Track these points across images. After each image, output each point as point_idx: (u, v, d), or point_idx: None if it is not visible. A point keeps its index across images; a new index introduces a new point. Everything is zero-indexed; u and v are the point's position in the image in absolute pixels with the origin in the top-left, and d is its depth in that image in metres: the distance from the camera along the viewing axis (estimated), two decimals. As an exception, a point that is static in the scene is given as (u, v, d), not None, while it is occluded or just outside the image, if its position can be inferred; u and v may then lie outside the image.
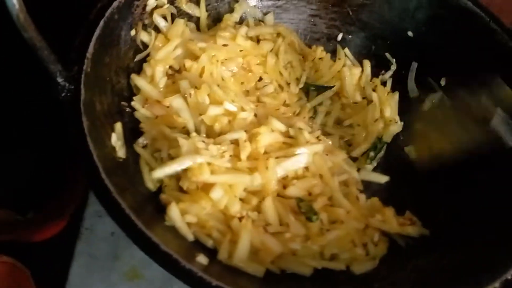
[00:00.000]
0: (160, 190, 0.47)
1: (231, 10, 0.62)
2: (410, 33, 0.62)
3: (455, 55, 0.59)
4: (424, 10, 0.61)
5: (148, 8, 0.53)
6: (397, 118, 0.60)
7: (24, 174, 0.64)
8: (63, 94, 0.41)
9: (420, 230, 0.50)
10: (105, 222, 0.52)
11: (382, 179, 0.56)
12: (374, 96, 0.59)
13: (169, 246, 0.36)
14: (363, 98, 0.61)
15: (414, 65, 0.62)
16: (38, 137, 0.62)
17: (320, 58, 0.63)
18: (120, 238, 0.51)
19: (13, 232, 0.63)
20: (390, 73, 0.64)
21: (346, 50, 0.64)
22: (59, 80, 0.41)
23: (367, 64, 0.63)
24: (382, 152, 0.58)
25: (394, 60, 0.64)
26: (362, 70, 0.63)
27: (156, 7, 0.54)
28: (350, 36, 0.65)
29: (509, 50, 0.54)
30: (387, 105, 0.59)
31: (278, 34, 0.62)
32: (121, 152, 0.45)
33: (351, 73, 0.61)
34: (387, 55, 0.64)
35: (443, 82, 0.60)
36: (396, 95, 0.61)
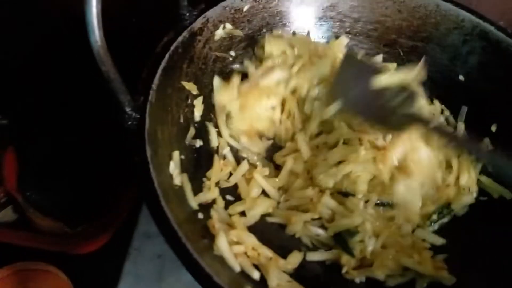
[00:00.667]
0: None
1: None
2: (461, 77, 0.63)
3: (506, 102, 0.59)
4: (477, 55, 0.61)
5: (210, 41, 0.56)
6: (474, 188, 0.56)
7: (77, 190, 0.67)
8: (129, 123, 0.44)
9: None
10: (153, 243, 0.54)
11: (438, 241, 0.53)
12: (454, 161, 0.56)
13: (220, 277, 0.38)
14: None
15: (464, 109, 0.62)
16: (94, 158, 0.65)
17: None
18: (167, 261, 0.53)
19: (60, 244, 0.66)
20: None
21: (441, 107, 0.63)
22: (127, 109, 0.44)
23: (460, 126, 0.61)
24: (446, 219, 0.55)
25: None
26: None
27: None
28: (400, 77, 0.66)
29: None
30: (466, 172, 0.56)
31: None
32: (177, 180, 0.47)
33: None
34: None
35: (493, 128, 0.60)
36: (479, 165, 0.58)
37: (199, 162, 0.53)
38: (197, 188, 0.50)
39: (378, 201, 0.52)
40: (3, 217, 0.67)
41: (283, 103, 0.58)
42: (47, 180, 0.65)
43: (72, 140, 0.67)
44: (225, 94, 0.56)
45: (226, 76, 0.58)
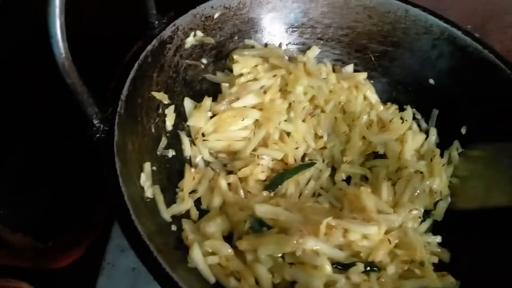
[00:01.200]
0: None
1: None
2: (431, 81, 0.64)
3: (475, 105, 0.60)
4: (446, 59, 0.62)
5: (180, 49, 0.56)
6: (446, 191, 0.57)
7: (48, 204, 0.65)
8: (98, 135, 0.43)
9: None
10: (127, 256, 0.53)
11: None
12: (422, 165, 0.57)
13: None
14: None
15: (435, 112, 0.63)
16: (65, 171, 0.64)
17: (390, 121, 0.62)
18: (141, 273, 0.52)
19: (31, 259, 0.64)
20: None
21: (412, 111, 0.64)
22: (95, 121, 0.43)
23: (432, 132, 0.62)
24: (427, 224, 0.56)
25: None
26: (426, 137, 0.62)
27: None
28: (371, 81, 0.66)
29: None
30: (438, 177, 0.57)
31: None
32: (149, 192, 0.46)
33: (415, 139, 0.60)
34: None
35: (463, 130, 0.61)
36: (450, 169, 0.59)
37: (172, 173, 0.52)
38: (171, 199, 0.49)
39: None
40: (-30, 234, 0.65)
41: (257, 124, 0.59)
42: (17, 194, 0.63)
43: (42, 154, 0.65)
44: (198, 116, 0.56)
45: (197, 90, 0.59)
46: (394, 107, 0.64)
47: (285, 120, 0.59)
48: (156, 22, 0.53)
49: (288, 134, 0.59)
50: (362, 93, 0.63)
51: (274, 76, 0.60)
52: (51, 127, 0.62)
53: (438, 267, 0.51)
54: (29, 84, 0.64)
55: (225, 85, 0.59)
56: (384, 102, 0.65)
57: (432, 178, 0.56)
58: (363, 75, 0.65)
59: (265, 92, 0.59)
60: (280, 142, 0.58)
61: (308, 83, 0.59)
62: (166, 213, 0.47)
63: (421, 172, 0.57)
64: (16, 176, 0.64)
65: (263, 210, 0.48)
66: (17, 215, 0.63)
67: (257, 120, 0.58)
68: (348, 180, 0.59)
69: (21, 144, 0.63)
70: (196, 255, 0.44)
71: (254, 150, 0.56)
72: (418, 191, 0.55)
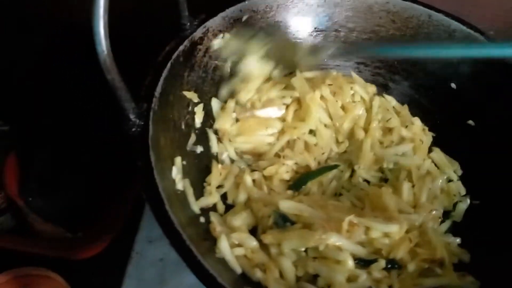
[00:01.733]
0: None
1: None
2: (453, 85, 0.64)
3: (496, 109, 0.61)
4: (468, 64, 0.63)
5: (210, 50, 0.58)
6: (464, 191, 0.59)
7: (78, 195, 0.68)
8: (133, 129, 0.45)
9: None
10: (155, 247, 0.55)
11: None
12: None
13: (223, 278, 0.39)
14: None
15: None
16: (95, 163, 0.66)
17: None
18: (168, 264, 0.54)
19: (61, 249, 0.67)
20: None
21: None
22: (131, 116, 0.45)
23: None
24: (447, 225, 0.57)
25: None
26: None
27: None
28: (394, 84, 0.68)
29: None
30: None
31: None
32: (180, 185, 0.48)
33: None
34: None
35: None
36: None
37: (200, 168, 0.54)
38: (199, 193, 0.51)
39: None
40: (2, 223, 0.68)
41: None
42: (49, 185, 0.66)
43: (73, 146, 0.68)
44: (224, 118, 0.58)
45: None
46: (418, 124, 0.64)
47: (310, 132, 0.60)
48: (188, 24, 0.55)
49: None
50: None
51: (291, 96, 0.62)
52: (83, 119, 0.64)
53: (458, 267, 0.52)
54: (61, 78, 0.66)
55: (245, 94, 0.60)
56: (407, 104, 0.66)
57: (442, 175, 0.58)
58: (371, 89, 0.65)
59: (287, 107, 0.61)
60: (305, 152, 0.60)
61: (320, 117, 0.61)
62: (195, 205, 0.49)
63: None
64: (48, 167, 0.67)
65: (287, 206, 0.50)
66: (48, 205, 0.66)
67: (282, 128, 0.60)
68: (368, 181, 0.60)
69: (53, 135, 0.65)
70: (224, 246, 0.46)
71: (281, 150, 0.58)
72: (435, 192, 0.56)
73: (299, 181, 0.57)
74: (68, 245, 0.66)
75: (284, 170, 0.57)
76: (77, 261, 0.66)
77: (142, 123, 0.46)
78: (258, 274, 0.46)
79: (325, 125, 0.61)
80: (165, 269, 0.54)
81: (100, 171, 0.68)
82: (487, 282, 0.49)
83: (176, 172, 0.48)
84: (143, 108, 0.47)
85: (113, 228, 0.67)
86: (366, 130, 0.62)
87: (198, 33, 0.56)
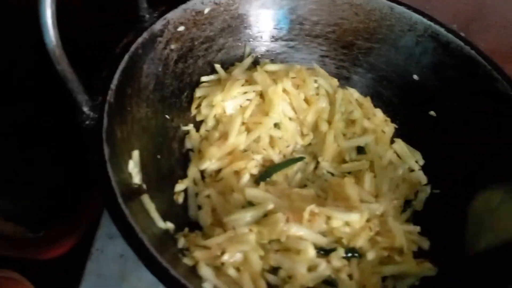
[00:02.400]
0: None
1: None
2: (415, 77, 0.65)
3: (457, 100, 0.62)
4: (429, 56, 0.63)
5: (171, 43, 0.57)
6: (425, 180, 0.60)
7: (39, 193, 0.66)
8: (87, 122, 0.44)
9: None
10: (115, 244, 0.54)
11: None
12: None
13: (177, 270, 0.38)
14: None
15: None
16: (55, 159, 0.65)
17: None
18: (129, 260, 0.53)
19: (22, 249, 0.65)
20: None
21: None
22: (85, 109, 0.44)
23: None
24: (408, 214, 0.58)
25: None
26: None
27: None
28: (357, 77, 0.68)
29: (507, 97, 0.56)
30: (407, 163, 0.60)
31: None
32: (136, 179, 0.47)
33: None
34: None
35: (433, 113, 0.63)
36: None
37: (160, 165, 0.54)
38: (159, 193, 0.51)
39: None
40: (-40, 224, 0.66)
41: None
42: (8, 184, 0.65)
43: (33, 144, 0.66)
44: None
45: (187, 82, 0.61)
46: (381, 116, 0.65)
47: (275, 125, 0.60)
48: (147, 15, 0.55)
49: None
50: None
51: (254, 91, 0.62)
52: (45, 116, 0.63)
53: (418, 255, 0.52)
54: (21, 72, 0.65)
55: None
56: (370, 96, 0.67)
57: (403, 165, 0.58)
58: (334, 82, 0.66)
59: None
60: (269, 147, 0.59)
61: (283, 110, 0.60)
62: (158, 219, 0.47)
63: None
64: (8, 165, 0.65)
65: (252, 194, 0.51)
66: (9, 204, 0.64)
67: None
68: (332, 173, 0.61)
69: (12, 135, 0.64)
70: (206, 273, 0.44)
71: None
72: (396, 181, 0.57)
73: (265, 174, 0.57)
74: (30, 245, 0.65)
75: (253, 165, 0.57)
76: (40, 261, 0.64)
77: (96, 115, 0.45)
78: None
79: (290, 118, 0.61)
80: (125, 265, 0.53)
81: (62, 169, 0.67)
82: (445, 268, 0.50)
83: (132, 166, 0.47)
84: (98, 101, 0.46)
85: (79, 227, 0.66)
86: (329, 122, 0.62)
87: (158, 25, 0.55)
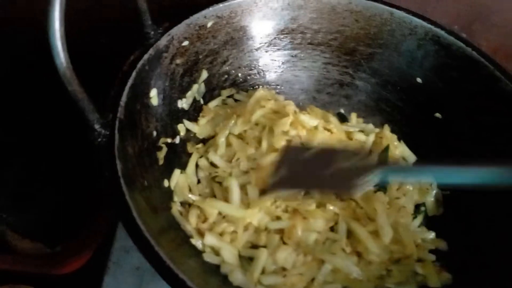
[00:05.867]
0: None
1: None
2: (419, 80, 0.66)
3: (461, 101, 0.62)
4: (432, 58, 0.64)
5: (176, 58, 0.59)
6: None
7: (54, 208, 0.67)
8: (99, 140, 0.46)
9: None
10: (131, 256, 0.55)
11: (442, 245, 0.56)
12: None
13: (195, 282, 0.39)
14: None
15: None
16: (69, 175, 0.66)
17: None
18: (145, 272, 0.54)
19: (40, 264, 0.66)
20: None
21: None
22: (96, 127, 0.45)
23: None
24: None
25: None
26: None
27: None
28: (361, 82, 0.69)
29: (510, 96, 0.57)
30: None
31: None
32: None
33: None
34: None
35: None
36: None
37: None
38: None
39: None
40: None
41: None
42: (24, 201, 0.66)
43: (46, 159, 0.67)
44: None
45: None
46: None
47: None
48: (152, 32, 0.56)
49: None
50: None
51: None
52: (54, 133, 0.64)
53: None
54: (29, 90, 0.66)
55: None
56: (375, 101, 0.68)
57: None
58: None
59: None
60: None
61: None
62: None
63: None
64: (20, 181, 0.66)
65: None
66: (25, 221, 0.65)
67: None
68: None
69: (25, 150, 0.65)
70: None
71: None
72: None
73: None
74: (48, 261, 0.66)
75: None
76: (57, 276, 0.65)
77: (108, 133, 0.46)
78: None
79: None
80: (142, 278, 0.54)
81: (75, 183, 0.68)
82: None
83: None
84: (109, 118, 0.47)
85: (93, 241, 0.67)
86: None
87: (163, 41, 0.56)
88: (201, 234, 0.51)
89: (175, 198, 0.54)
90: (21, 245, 0.67)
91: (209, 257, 0.49)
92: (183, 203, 0.54)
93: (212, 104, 0.65)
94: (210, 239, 0.50)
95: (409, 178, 0.55)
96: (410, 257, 0.52)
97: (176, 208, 0.52)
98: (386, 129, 0.66)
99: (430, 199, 0.59)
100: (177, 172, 0.56)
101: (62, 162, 0.66)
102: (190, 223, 0.51)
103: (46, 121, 0.64)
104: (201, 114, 0.64)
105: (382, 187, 0.57)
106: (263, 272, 0.49)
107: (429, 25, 0.64)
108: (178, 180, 0.56)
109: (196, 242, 0.50)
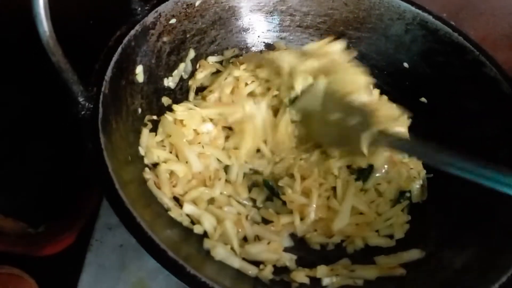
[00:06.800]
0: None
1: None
2: (405, 64, 0.66)
3: (447, 85, 0.63)
4: (419, 43, 0.65)
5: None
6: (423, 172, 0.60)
7: (38, 187, 0.67)
8: (83, 113, 0.45)
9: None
10: (114, 234, 0.55)
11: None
12: None
13: (175, 252, 0.39)
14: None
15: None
16: (53, 153, 0.65)
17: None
18: (129, 249, 0.54)
19: (23, 245, 0.65)
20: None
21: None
22: (80, 99, 0.45)
23: None
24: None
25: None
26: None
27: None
28: (349, 65, 0.69)
29: (494, 81, 0.58)
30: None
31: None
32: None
33: None
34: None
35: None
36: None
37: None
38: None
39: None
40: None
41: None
42: (7, 180, 0.65)
43: (30, 139, 0.66)
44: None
45: None
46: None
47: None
48: (139, 9, 0.55)
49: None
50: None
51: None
52: (38, 112, 0.63)
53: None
54: (12, 68, 0.65)
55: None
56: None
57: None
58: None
59: None
60: None
61: None
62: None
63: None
64: (2, 160, 0.65)
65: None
66: (9, 200, 0.65)
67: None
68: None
69: (7, 129, 0.64)
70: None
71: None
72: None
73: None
74: (31, 241, 0.65)
75: None
76: (41, 256, 0.64)
77: (92, 106, 0.45)
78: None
79: None
80: (125, 255, 0.54)
81: (59, 162, 0.67)
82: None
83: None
84: (93, 92, 0.46)
85: (78, 221, 0.66)
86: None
87: (150, 18, 0.56)
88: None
89: (145, 161, 0.52)
90: (4, 224, 0.66)
91: (190, 227, 0.49)
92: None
93: (212, 59, 0.65)
94: (189, 208, 0.49)
95: (411, 153, 0.56)
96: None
97: (149, 178, 0.51)
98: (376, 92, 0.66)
99: (416, 186, 0.59)
100: (145, 131, 0.54)
101: (45, 141, 0.65)
102: (165, 193, 0.50)
103: (29, 99, 0.63)
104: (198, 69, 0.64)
105: (364, 176, 0.58)
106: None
107: (417, 10, 0.64)
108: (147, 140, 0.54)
109: (175, 214, 0.49)
